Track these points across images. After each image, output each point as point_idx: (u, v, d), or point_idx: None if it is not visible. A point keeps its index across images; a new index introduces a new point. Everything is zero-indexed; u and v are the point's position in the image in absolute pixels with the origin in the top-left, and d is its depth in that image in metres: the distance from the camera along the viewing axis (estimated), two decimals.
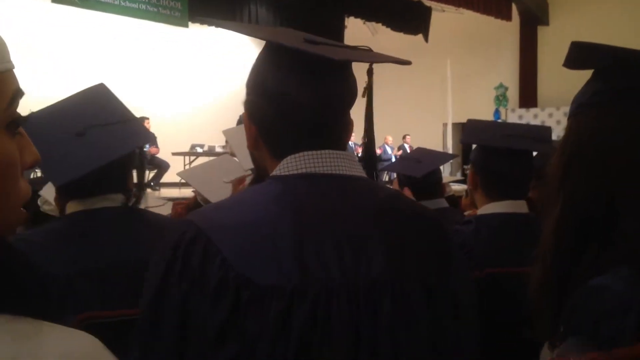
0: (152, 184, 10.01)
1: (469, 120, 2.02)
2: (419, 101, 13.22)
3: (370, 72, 0.99)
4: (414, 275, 0.85)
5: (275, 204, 0.84)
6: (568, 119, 0.99)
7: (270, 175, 0.91)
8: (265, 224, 0.81)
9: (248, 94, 0.95)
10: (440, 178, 2.80)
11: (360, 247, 0.83)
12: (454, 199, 3.37)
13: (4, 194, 0.51)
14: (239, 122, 10.23)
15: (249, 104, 0.94)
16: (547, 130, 1.96)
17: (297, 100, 0.88)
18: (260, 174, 0.99)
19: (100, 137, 1.38)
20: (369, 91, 1.00)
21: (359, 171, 0.93)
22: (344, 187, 0.89)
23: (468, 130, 1.98)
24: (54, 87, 7.62)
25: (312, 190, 0.87)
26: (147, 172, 9.90)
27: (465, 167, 11.31)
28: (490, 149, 1.76)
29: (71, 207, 1.42)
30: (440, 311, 0.85)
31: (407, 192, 2.63)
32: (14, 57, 0.54)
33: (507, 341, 1.46)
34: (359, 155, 1.16)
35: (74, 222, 1.39)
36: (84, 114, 1.42)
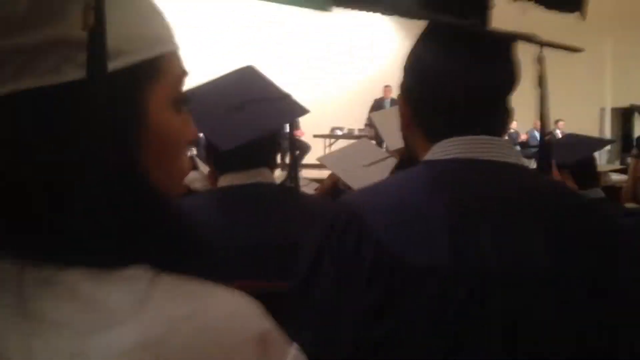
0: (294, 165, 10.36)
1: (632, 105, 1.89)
2: (574, 84, 12.20)
3: (541, 60, 0.94)
4: (577, 269, 0.79)
5: (428, 188, 0.83)
6: None
7: (423, 159, 0.90)
8: (419, 206, 0.81)
9: (405, 76, 0.95)
10: (595, 166, 2.65)
11: (519, 236, 0.79)
12: (613, 190, 3.13)
13: (171, 169, 0.54)
14: (374, 107, 10.27)
15: (405, 85, 0.94)
16: None
17: (457, 81, 0.87)
18: (411, 156, 0.98)
19: (258, 110, 1.41)
20: (541, 80, 0.96)
21: (516, 159, 0.89)
22: (501, 173, 0.86)
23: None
24: (200, 70, 8.06)
25: (467, 175, 0.85)
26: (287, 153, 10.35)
27: (624, 155, 10.37)
28: None
29: (224, 181, 1.44)
30: (605, 309, 0.79)
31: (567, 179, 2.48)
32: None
33: None
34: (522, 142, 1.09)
35: (230, 195, 1.41)
36: (239, 91, 1.46)
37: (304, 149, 10.50)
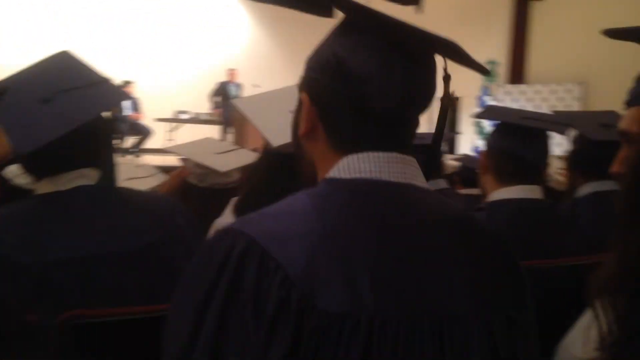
0: (134, 149, 9.89)
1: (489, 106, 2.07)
2: None
3: (447, 79, 0.82)
4: (497, 306, 0.75)
5: (342, 213, 0.72)
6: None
7: (329, 176, 0.79)
8: (333, 235, 0.69)
9: (311, 70, 0.82)
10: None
11: (440, 272, 0.72)
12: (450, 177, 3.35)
13: None
14: (218, 91, 10.09)
15: (312, 82, 0.81)
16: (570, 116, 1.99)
17: (381, 87, 0.75)
18: (303, 162, 0.86)
19: (68, 102, 1.25)
20: (445, 100, 0.84)
21: (423, 181, 0.81)
22: (415, 199, 0.78)
23: (487, 110, 1.97)
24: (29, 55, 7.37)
25: (381, 201, 0.75)
26: (127, 138, 9.84)
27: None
28: (505, 129, 1.72)
29: (42, 187, 1.26)
30: (517, 342, 0.76)
31: None
32: None
33: None
34: None
35: (45, 204, 1.23)
36: (51, 80, 1.29)
37: (145, 133, 10.07)
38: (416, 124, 0.83)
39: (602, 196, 1.89)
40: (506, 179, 1.67)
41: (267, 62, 11.74)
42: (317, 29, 0.86)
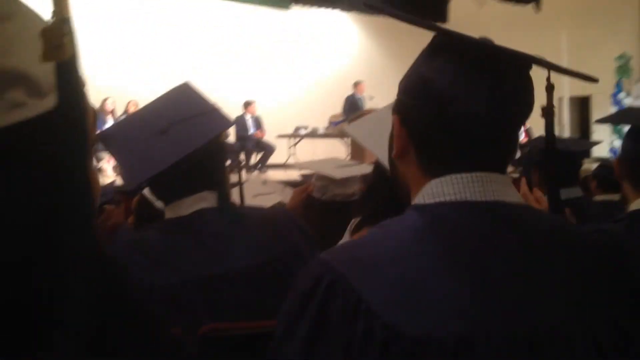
0: (259, 166, 10.32)
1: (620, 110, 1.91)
2: (532, 75, 12.43)
3: (550, 89, 0.84)
4: (605, 319, 0.70)
5: (422, 240, 0.72)
6: None
7: (413, 203, 0.80)
8: (413, 262, 0.69)
9: (401, 92, 0.84)
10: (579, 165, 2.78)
11: (530, 288, 0.70)
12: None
13: None
14: (345, 109, 10.25)
15: (402, 104, 0.83)
16: None
17: (466, 107, 0.75)
18: (397, 186, 0.87)
19: (181, 132, 1.35)
20: (548, 111, 0.85)
21: (514, 197, 0.79)
22: (501, 216, 0.75)
23: (614, 114, 1.79)
24: (150, 83, 7.91)
25: (466, 222, 0.74)
26: (252, 155, 10.28)
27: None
28: (638, 134, 1.60)
29: (168, 212, 1.38)
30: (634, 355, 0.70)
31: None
32: None
33: None
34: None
35: (171, 228, 1.34)
36: (168, 112, 1.40)
37: (269, 149, 10.48)
38: (510, 141, 0.81)
39: None
40: None
41: (379, 73, 11.78)
42: (426, 38, 0.85)
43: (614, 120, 1.72)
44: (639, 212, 1.55)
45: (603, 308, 0.71)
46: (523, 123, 0.80)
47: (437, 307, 0.65)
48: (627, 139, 1.65)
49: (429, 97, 0.77)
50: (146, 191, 1.96)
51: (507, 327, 0.66)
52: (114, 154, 1.42)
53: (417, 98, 0.79)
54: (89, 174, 0.49)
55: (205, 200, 1.35)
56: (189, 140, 1.33)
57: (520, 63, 0.78)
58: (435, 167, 0.78)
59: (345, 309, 0.66)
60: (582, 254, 0.76)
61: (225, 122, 1.51)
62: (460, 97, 0.75)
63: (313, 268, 0.72)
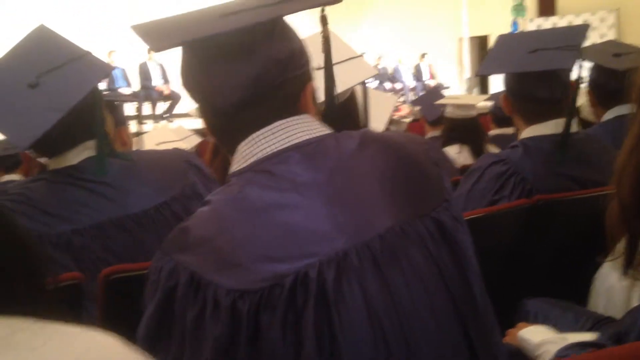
0: (167, 115, 10.12)
1: (498, 38, 1.93)
2: (433, 18, 12.62)
3: (324, 20, 0.86)
4: (422, 211, 0.79)
5: (232, 207, 0.78)
6: None
7: (230, 173, 0.85)
8: (229, 231, 0.76)
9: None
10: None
11: (356, 201, 0.77)
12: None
13: None
14: None
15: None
16: (579, 31, 1.80)
17: (213, 89, 0.83)
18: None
19: (54, 83, 1.27)
20: (325, 42, 0.87)
21: (320, 129, 0.85)
22: (309, 152, 0.81)
23: (486, 61, 1.90)
24: None
25: (277, 171, 0.80)
26: (157, 103, 9.84)
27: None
28: (515, 75, 1.72)
29: (53, 164, 1.34)
30: (453, 241, 0.81)
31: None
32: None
33: (559, 267, 1.47)
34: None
35: (56, 180, 1.30)
36: (33, 62, 1.29)
37: (175, 98, 10.33)
38: (292, 90, 0.85)
39: (623, 119, 1.65)
40: (532, 119, 1.70)
41: None
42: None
43: (490, 69, 1.89)
44: (529, 139, 1.68)
45: (415, 202, 0.80)
46: (287, 74, 0.82)
47: (252, 257, 0.73)
48: (508, 79, 1.76)
49: (189, 86, 0.87)
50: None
51: (342, 242, 0.74)
52: None
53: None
54: None
55: (90, 149, 1.32)
56: (66, 92, 1.26)
57: (243, 33, 0.81)
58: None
59: (187, 287, 0.74)
60: (394, 155, 0.83)
61: (102, 68, 1.44)
62: (204, 82, 0.84)
63: (156, 261, 0.79)
